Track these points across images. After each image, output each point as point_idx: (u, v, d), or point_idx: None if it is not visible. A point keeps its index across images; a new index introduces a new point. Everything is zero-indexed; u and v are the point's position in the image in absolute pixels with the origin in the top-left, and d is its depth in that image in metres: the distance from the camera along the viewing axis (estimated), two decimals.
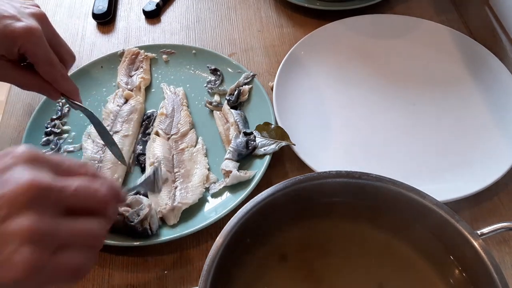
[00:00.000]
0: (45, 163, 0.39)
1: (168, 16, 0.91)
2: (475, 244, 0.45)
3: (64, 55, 0.60)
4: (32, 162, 0.38)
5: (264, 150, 0.66)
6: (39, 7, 0.60)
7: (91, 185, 0.39)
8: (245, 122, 0.70)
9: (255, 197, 0.48)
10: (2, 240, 0.35)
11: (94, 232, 0.39)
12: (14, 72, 0.57)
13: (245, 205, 0.48)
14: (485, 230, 0.47)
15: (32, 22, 0.55)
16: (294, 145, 0.66)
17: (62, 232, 0.37)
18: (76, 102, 0.62)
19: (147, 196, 0.62)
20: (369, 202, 0.50)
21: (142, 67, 0.78)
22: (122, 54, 0.80)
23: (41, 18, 0.57)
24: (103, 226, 0.40)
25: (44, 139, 0.70)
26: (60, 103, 0.74)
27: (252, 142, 0.66)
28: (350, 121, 0.72)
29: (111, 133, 0.70)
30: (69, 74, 0.76)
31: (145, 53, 0.80)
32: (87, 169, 0.41)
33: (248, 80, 0.75)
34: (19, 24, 0.53)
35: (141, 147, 0.69)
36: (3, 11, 0.54)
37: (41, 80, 0.58)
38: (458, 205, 0.60)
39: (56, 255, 0.37)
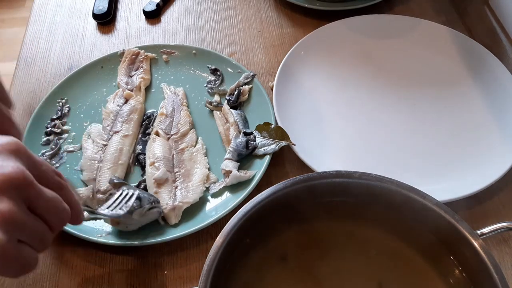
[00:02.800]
0: (25, 158, 0.40)
1: (168, 16, 0.91)
2: (475, 244, 0.45)
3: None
4: (15, 153, 0.39)
5: (264, 150, 0.66)
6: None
7: (62, 204, 0.42)
8: (245, 122, 0.70)
9: (255, 197, 0.48)
10: None
11: (47, 235, 0.41)
12: None
13: (245, 205, 0.48)
14: (485, 230, 0.47)
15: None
16: (294, 145, 0.66)
17: (28, 227, 0.39)
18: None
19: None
20: (369, 202, 0.50)
21: (142, 67, 0.78)
22: (122, 54, 0.80)
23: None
24: (50, 234, 0.42)
25: (44, 139, 0.70)
26: (60, 103, 0.74)
27: (252, 142, 0.66)
28: (350, 121, 0.72)
29: (111, 133, 0.70)
30: (69, 74, 0.77)
31: (145, 53, 0.80)
32: (60, 182, 0.42)
33: (248, 80, 0.75)
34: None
35: (141, 147, 0.69)
36: None
37: None
38: (458, 205, 0.60)
39: (17, 246, 0.38)
